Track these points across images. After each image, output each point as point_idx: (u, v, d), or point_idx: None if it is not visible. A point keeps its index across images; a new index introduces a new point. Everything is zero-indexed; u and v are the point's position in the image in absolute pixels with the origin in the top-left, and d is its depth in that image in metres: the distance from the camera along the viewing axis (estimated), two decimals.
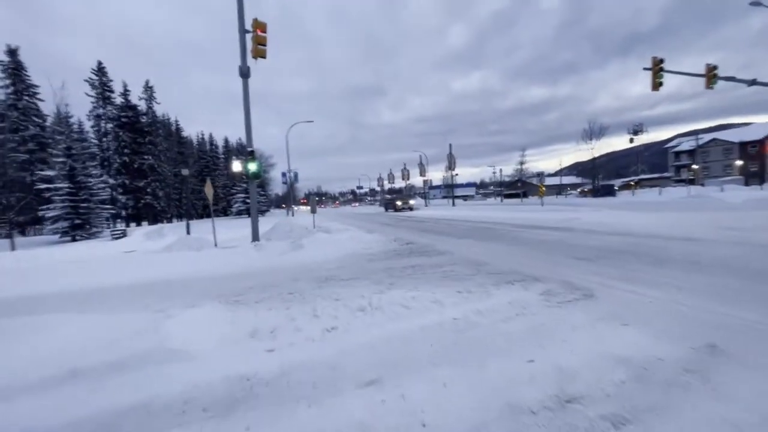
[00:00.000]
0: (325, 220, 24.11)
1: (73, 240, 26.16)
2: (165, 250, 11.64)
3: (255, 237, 12.08)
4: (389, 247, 9.25)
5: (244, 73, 11.65)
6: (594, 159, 48.99)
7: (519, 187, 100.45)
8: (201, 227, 28.21)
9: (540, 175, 22.08)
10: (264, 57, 10.71)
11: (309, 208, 17.20)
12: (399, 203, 31.72)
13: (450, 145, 39.65)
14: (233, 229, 24.01)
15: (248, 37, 10.77)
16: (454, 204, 43.55)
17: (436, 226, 14.55)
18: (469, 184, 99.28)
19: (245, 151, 11.82)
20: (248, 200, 56.16)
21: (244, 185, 54.48)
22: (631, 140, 69.94)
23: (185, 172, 20.54)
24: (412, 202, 31.36)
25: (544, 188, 22.46)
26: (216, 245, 11.59)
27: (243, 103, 11.80)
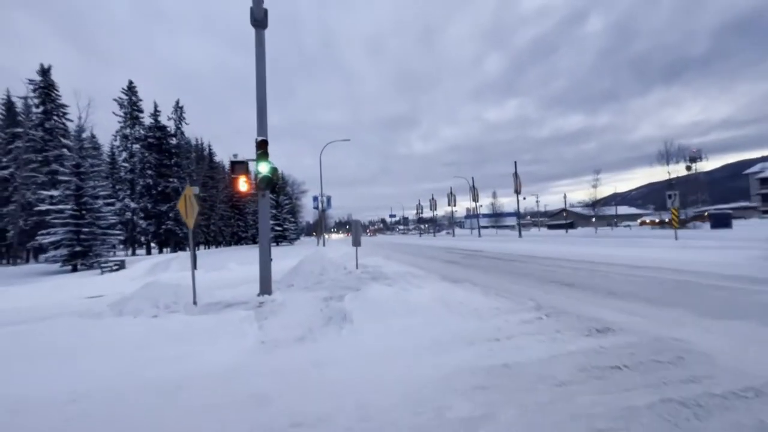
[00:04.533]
0: (360, 254, 19.03)
1: (74, 270, 22.55)
2: (113, 308, 6.87)
3: (264, 288, 7.11)
4: (558, 337, 3.92)
5: (258, 19, 7.14)
6: (673, 185, 41.80)
7: (565, 217, 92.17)
8: (220, 258, 23.96)
9: (672, 196, 16.15)
10: None
11: (344, 236, 12.36)
12: None
13: (472, 178, 35.41)
14: (254, 263, 19.49)
15: None
16: (480, 235, 37.44)
17: (554, 271, 9.11)
18: (512, 214, 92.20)
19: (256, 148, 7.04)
20: (277, 227, 52.71)
21: (274, 211, 51.18)
22: (689, 168, 61.49)
23: (195, 190, 16.37)
24: None
25: (676, 214, 16.28)
26: (195, 303, 6.67)
27: (255, 67, 7.23)
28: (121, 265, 18.38)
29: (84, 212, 22.97)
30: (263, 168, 6.75)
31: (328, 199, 33.07)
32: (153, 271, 18.33)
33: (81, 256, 22.66)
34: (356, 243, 10.40)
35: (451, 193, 44.28)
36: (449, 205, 45.63)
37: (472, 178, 39.03)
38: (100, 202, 23.87)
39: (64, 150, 33.99)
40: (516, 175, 28.47)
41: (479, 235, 39.21)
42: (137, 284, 12.75)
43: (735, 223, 32.76)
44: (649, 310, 4.80)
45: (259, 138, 6.82)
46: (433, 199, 51.19)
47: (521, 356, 3.43)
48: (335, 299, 6.62)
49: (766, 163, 66.01)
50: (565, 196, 44.36)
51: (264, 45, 7.22)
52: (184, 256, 23.64)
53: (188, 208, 6.67)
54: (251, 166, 7.15)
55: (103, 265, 17.69)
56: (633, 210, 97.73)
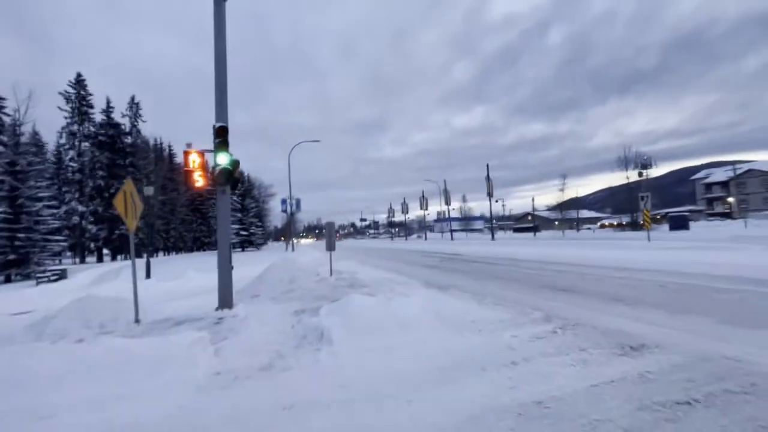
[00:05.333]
0: (333, 259, 18.02)
1: (8, 281, 19.99)
2: (31, 330, 5.59)
3: (224, 300, 6.07)
4: (588, 358, 3.22)
5: None
6: (631, 189, 43.91)
7: (531, 221, 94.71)
8: (178, 265, 22.11)
9: (645, 198, 16.35)
10: None
11: (313, 241, 11.32)
12: None
13: (444, 182, 36.23)
14: (214, 270, 17.92)
15: None
16: (452, 238, 37.60)
17: (542, 275, 8.64)
18: (479, 218, 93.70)
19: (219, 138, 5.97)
20: (243, 231, 50.35)
21: (239, 215, 48.83)
22: (641, 174, 65.29)
23: (149, 191, 14.83)
24: None
25: (648, 215, 16.52)
26: (137, 321, 5.51)
27: (214, 43, 6.23)
28: (62, 275, 16.33)
29: (21, 216, 20.49)
30: (222, 159, 5.73)
31: (297, 202, 31.76)
32: (100, 281, 16.43)
33: (16, 265, 20.13)
34: (330, 247, 9.47)
35: (423, 196, 44.01)
36: (421, 208, 45.30)
37: (444, 181, 38.97)
38: (40, 204, 21.38)
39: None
40: (488, 178, 28.49)
41: (452, 238, 39.03)
42: (77, 297, 11.13)
43: (690, 225, 34.50)
44: (671, 320, 4.25)
45: (218, 124, 5.81)
46: (405, 202, 50.80)
47: (553, 388, 2.69)
48: (309, 312, 5.69)
49: (711, 170, 70.99)
50: (533, 200, 45.45)
51: (224, 18, 6.22)
52: (138, 263, 21.56)
53: (129, 206, 5.52)
54: (209, 157, 6.10)
55: (38, 275, 15.61)
56: (592, 213, 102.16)
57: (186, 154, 5.90)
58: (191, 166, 5.90)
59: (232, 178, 5.85)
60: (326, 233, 9.46)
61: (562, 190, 38.38)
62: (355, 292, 7.19)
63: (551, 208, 41.33)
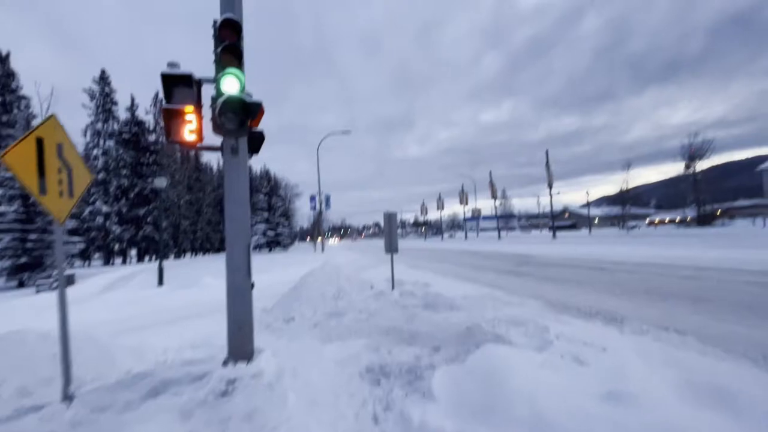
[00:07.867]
0: (371, 263, 15.25)
1: (20, 285, 18.49)
2: None
3: (238, 347, 3.28)
4: None
5: None
6: (697, 181, 39.20)
7: (566, 219, 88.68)
8: (196, 269, 19.95)
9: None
10: None
11: (338, 241, 8.38)
12: None
13: (490, 173, 33.25)
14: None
15: None
16: (499, 237, 33.94)
17: (714, 288, 5.54)
18: (512, 216, 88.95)
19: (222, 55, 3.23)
20: (270, 231, 48.49)
21: (266, 214, 47.05)
22: (688, 166, 58.16)
23: (161, 183, 12.58)
24: None
25: None
26: (69, 397, 2.85)
27: None
28: (69, 281, 14.40)
29: (34, 215, 18.98)
30: (230, 85, 3.01)
31: (327, 198, 29.31)
32: (111, 287, 14.40)
33: (29, 268, 18.61)
34: (392, 248, 6.63)
35: (462, 190, 40.39)
36: (461, 203, 41.70)
37: (490, 172, 35.30)
38: None
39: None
40: (548, 166, 24.74)
41: (498, 237, 35.36)
42: (80, 308, 8.83)
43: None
44: None
45: (223, 17, 3.09)
46: (440, 198, 47.21)
47: None
48: (397, 378, 2.87)
49: None
50: (587, 194, 40.91)
51: None
52: (153, 268, 19.54)
53: (49, 168, 2.87)
54: (199, 93, 3.39)
55: (39, 281, 13.73)
56: (636, 210, 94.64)
57: (166, 80, 3.20)
58: (175, 101, 3.21)
59: (247, 119, 3.11)
60: (385, 228, 6.65)
61: (626, 182, 34.05)
62: (428, 311, 4.32)
63: (613, 202, 37.17)
